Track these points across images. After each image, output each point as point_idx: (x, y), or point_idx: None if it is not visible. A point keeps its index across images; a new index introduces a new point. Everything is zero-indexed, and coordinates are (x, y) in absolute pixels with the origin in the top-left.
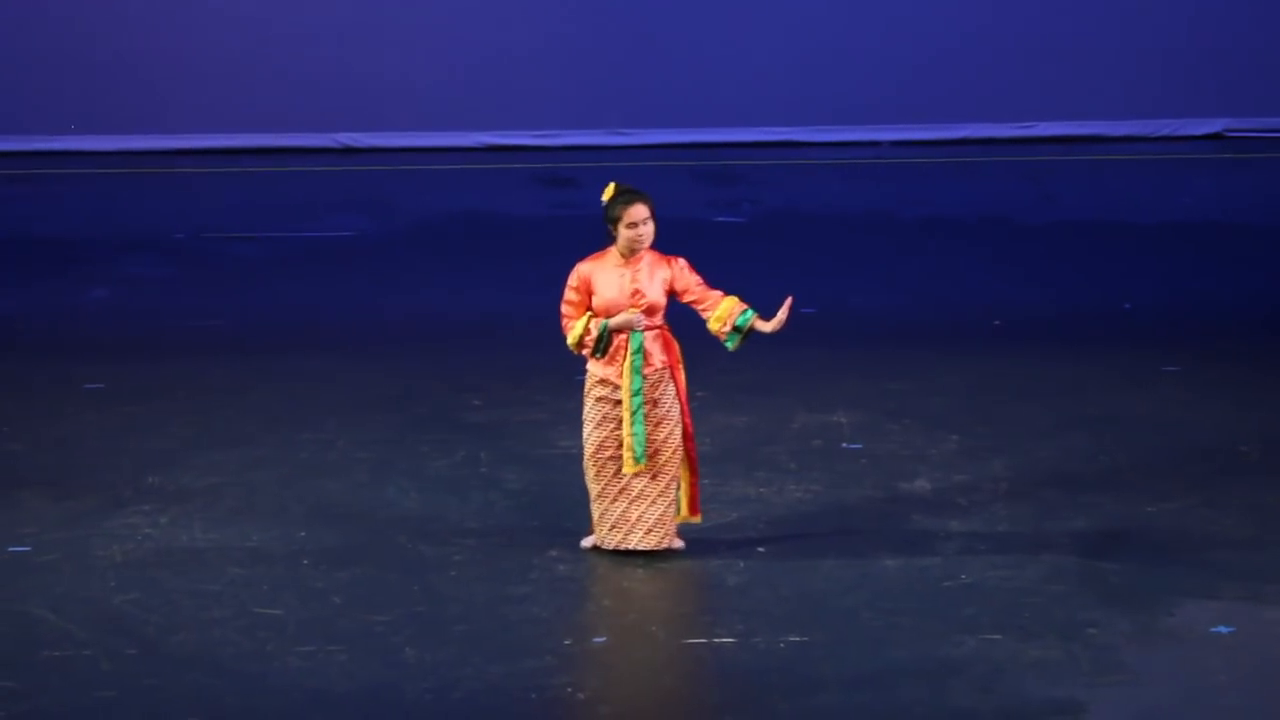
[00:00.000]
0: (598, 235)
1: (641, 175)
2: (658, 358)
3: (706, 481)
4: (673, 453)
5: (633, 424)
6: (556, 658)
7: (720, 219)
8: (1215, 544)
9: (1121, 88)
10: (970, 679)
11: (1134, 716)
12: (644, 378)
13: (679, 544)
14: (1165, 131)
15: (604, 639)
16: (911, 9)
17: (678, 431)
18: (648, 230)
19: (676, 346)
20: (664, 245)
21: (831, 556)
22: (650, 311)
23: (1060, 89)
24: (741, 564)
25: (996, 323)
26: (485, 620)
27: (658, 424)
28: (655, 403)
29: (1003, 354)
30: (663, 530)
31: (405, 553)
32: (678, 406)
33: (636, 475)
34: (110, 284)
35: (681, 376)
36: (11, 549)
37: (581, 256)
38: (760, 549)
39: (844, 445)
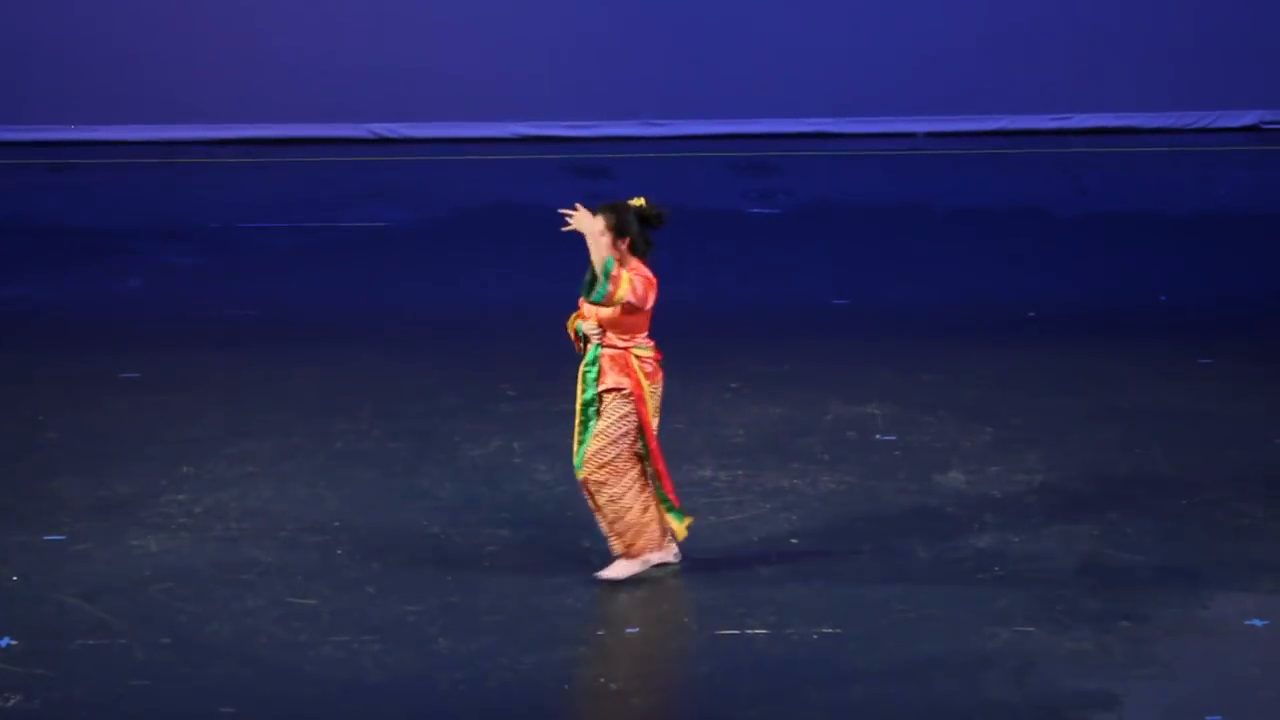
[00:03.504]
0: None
1: (675, 166)
2: (610, 378)
3: (740, 473)
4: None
5: (581, 433)
6: (589, 648)
7: (754, 210)
8: (1249, 537)
9: (1157, 80)
10: (1003, 671)
11: (1167, 709)
12: (595, 394)
13: (670, 555)
14: (1201, 123)
15: (637, 630)
16: (947, 1)
17: (613, 450)
18: (595, 242)
19: (638, 379)
20: (698, 237)
21: (864, 548)
22: (604, 327)
23: (1095, 81)
24: (774, 555)
25: (1031, 315)
26: (518, 610)
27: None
28: (601, 415)
29: (1037, 346)
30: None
31: (439, 543)
32: (621, 429)
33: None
34: (145, 274)
35: (644, 410)
36: (46, 537)
37: None
38: (793, 540)
39: (877, 437)
